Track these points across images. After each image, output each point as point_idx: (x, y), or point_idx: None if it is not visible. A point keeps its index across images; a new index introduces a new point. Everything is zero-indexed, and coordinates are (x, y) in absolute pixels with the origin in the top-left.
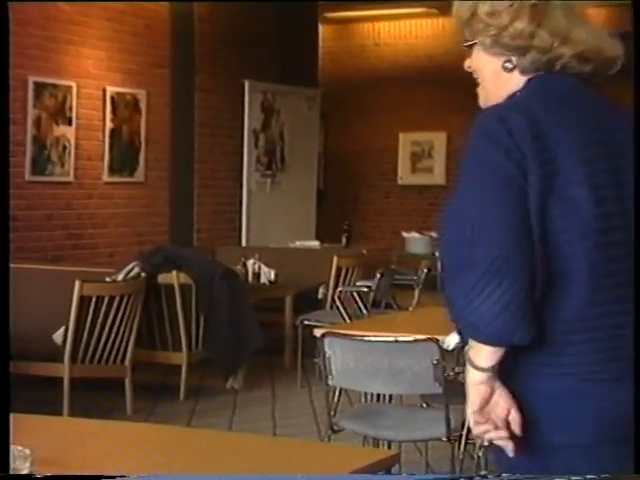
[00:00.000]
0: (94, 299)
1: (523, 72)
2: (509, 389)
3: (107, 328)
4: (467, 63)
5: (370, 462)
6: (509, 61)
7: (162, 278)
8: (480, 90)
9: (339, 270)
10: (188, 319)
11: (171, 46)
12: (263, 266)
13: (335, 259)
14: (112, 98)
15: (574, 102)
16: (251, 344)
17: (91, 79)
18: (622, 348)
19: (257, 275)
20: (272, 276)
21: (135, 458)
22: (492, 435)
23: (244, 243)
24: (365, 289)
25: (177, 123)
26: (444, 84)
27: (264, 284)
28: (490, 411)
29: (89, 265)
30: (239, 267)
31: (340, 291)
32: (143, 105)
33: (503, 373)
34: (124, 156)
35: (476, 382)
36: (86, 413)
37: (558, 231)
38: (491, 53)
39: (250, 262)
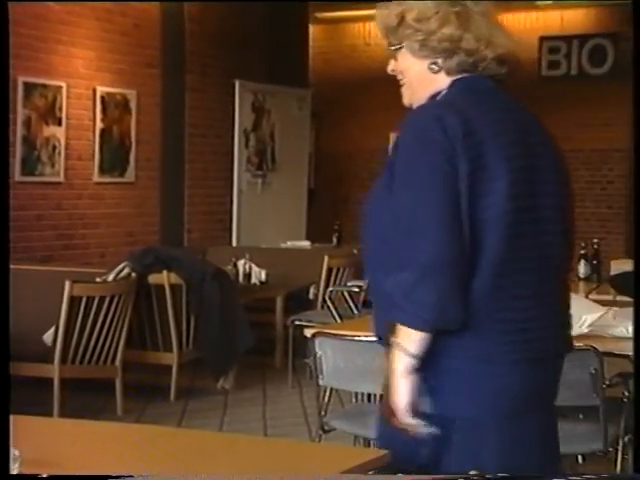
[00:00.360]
0: (84, 299)
1: (449, 73)
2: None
3: (97, 328)
4: (391, 67)
5: (361, 462)
6: (435, 63)
7: (153, 278)
8: (405, 90)
9: (330, 270)
10: (179, 319)
11: (161, 46)
12: (254, 266)
13: (326, 259)
14: (102, 98)
15: (494, 103)
16: (242, 344)
17: (81, 79)
18: (523, 330)
19: (248, 275)
20: (263, 276)
21: (126, 459)
22: (425, 428)
23: (235, 243)
24: (356, 289)
25: (167, 123)
26: None
27: (255, 284)
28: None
29: (79, 265)
30: (230, 267)
31: (331, 291)
32: (133, 105)
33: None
34: (114, 156)
35: (405, 370)
36: (76, 414)
37: (482, 221)
38: (418, 56)
39: (241, 262)
